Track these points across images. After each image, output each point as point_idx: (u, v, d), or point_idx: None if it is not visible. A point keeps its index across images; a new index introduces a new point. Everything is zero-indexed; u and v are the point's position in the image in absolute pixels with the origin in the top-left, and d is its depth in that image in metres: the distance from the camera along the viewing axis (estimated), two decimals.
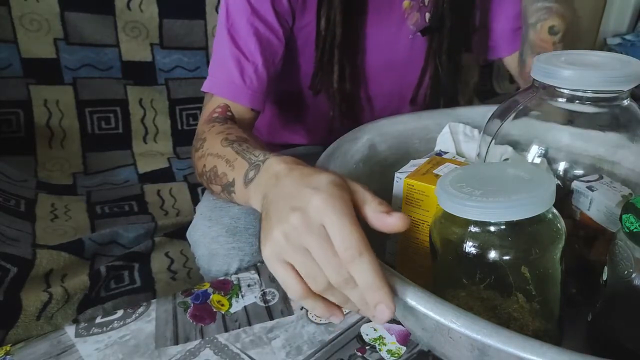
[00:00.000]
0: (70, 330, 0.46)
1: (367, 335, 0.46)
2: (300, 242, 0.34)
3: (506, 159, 0.46)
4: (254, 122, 0.68)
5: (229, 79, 0.65)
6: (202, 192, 1.03)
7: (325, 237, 0.33)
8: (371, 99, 0.82)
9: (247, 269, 0.56)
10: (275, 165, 0.41)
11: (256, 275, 0.54)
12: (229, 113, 0.63)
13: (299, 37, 0.72)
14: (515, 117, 0.46)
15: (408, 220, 0.35)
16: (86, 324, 0.47)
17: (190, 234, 0.68)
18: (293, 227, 0.34)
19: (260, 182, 0.43)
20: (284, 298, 0.50)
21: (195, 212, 0.71)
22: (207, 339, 0.46)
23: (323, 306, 0.38)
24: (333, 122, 0.75)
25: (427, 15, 0.75)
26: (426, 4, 0.74)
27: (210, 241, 0.64)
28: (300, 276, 0.35)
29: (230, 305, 0.50)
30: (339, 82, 0.73)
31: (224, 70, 0.65)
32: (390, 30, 0.75)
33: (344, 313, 0.39)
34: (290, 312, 0.49)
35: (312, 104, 0.80)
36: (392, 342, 0.45)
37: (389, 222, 0.35)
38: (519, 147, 0.46)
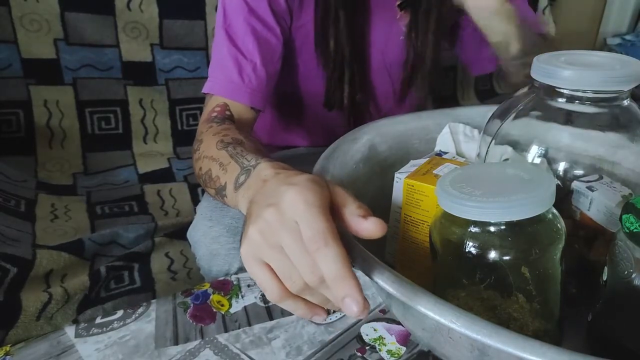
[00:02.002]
0: (70, 330, 0.46)
1: (367, 335, 0.46)
2: (275, 239, 0.33)
3: (506, 159, 0.46)
4: (254, 122, 0.68)
5: (227, 77, 0.65)
6: (202, 193, 1.03)
7: (297, 233, 0.32)
8: (377, 100, 0.82)
9: None
10: (264, 170, 0.41)
11: None
12: (227, 112, 0.63)
13: (297, 37, 0.72)
14: (515, 117, 0.46)
15: (384, 226, 0.34)
16: (86, 325, 0.47)
17: (191, 234, 0.69)
18: (267, 223, 0.34)
19: (249, 186, 0.43)
20: None
21: (195, 213, 0.71)
22: (207, 339, 0.46)
23: (304, 307, 0.37)
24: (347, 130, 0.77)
25: None
26: None
27: (211, 241, 0.64)
28: (278, 277, 0.35)
29: (230, 305, 0.50)
30: (351, 95, 0.74)
31: (222, 69, 0.66)
32: (384, 29, 0.76)
33: (330, 312, 0.38)
34: (290, 312, 0.48)
35: (311, 106, 0.80)
36: (392, 343, 0.45)
37: (364, 226, 0.34)
38: (519, 147, 0.45)
